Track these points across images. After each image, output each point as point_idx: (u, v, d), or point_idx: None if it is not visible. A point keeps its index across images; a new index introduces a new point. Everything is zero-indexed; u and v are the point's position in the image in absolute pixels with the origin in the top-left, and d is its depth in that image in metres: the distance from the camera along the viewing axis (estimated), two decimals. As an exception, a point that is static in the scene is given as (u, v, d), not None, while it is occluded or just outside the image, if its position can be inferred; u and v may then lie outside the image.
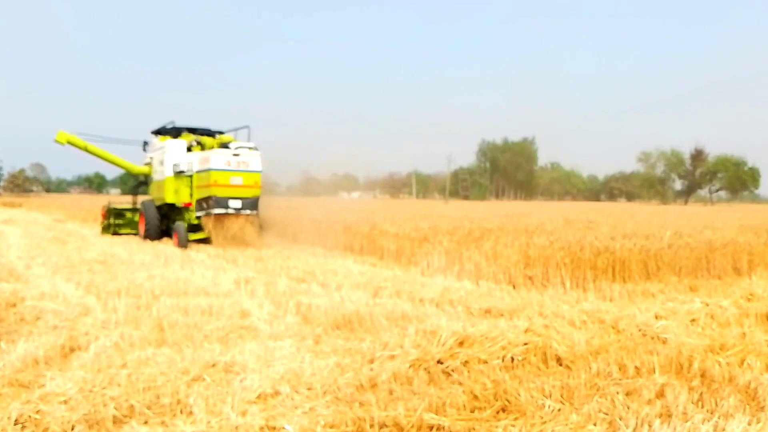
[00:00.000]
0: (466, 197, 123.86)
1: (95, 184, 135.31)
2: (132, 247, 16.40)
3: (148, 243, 18.09)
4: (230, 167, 17.01)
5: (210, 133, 20.23)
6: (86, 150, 20.86)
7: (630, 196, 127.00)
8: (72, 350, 6.01)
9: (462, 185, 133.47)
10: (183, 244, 16.84)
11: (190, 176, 18.42)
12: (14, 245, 16.45)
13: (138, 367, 5.32)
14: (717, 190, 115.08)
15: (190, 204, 18.30)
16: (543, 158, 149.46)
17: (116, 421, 4.31)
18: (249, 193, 17.25)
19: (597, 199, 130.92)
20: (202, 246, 16.96)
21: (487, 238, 12.74)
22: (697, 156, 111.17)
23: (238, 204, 17.04)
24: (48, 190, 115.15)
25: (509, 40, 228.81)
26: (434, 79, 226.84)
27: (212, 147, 18.41)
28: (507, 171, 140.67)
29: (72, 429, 4.16)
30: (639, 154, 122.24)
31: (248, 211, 17.25)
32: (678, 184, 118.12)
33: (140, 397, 4.62)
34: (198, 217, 17.78)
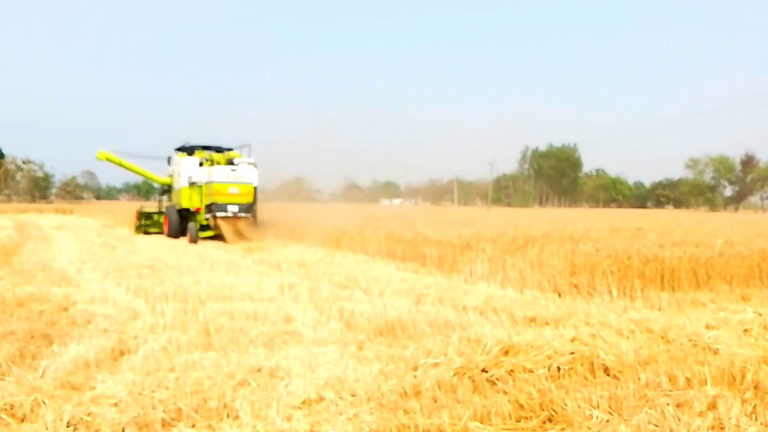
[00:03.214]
0: (508, 204, 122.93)
1: (143, 190, 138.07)
2: (179, 253, 16.74)
3: (194, 249, 18.60)
4: (228, 180, 21.58)
5: (219, 150, 24.51)
6: (121, 165, 25.60)
7: (678, 203, 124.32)
8: (122, 353, 6.14)
9: (504, 192, 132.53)
10: (194, 240, 21.46)
11: (201, 186, 22.55)
12: (66, 250, 16.93)
13: (185, 371, 5.40)
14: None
15: (200, 209, 22.43)
16: (588, 165, 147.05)
17: (165, 423, 4.38)
18: (244, 200, 21.69)
19: (643, 206, 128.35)
20: (247, 252, 17.23)
21: (532, 246, 12.58)
22: (748, 162, 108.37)
23: (235, 209, 21.52)
24: (98, 197, 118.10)
25: (552, 47, 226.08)
26: (476, 86, 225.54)
27: (219, 162, 22.77)
28: (551, 177, 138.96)
29: (122, 431, 4.24)
30: (687, 160, 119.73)
31: (243, 214, 21.68)
32: (728, 191, 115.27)
33: (188, 400, 4.70)
34: (207, 219, 22.02)
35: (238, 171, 21.73)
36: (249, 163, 22.17)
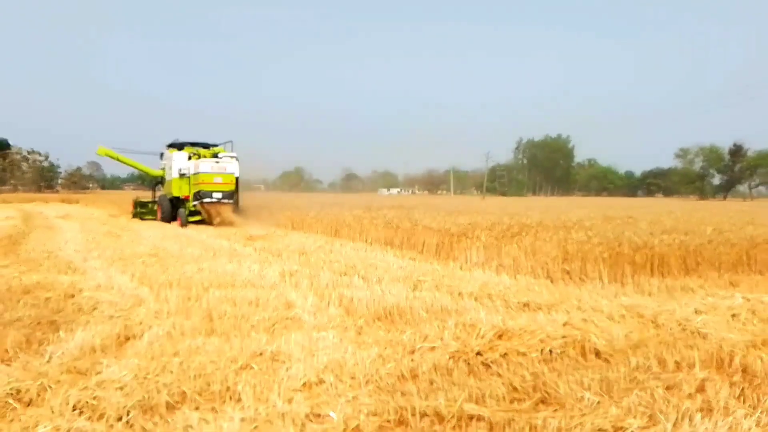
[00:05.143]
0: (503, 193, 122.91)
1: (147, 181, 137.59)
2: (182, 241, 16.71)
3: (197, 238, 18.52)
4: (213, 170, 24.43)
5: (206, 146, 27.65)
6: (119, 160, 28.92)
7: (667, 192, 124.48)
8: (127, 339, 6.14)
9: (499, 182, 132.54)
10: (184, 224, 24.37)
11: (189, 177, 25.57)
12: (72, 239, 16.90)
13: (189, 356, 5.41)
14: (757, 186, 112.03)
15: (188, 197, 25.32)
16: (580, 155, 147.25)
17: (169, 406, 4.39)
18: (227, 188, 24.55)
19: (634, 195, 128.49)
20: (248, 241, 17.21)
21: (526, 234, 12.60)
22: (737, 151, 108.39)
23: (219, 195, 24.37)
24: (103, 187, 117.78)
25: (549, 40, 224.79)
26: (474, 78, 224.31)
27: (205, 156, 25.92)
28: (544, 167, 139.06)
29: (127, 414, 4.24)
30: (677, 150, 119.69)
31: (226, 200, 24.47)
32: (717, 180, 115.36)
33: (191, 384, 4.71)
34: (194, 205, 24.81)
35: (222, 163, 24.77)
36: (231, 157, 25.29)
